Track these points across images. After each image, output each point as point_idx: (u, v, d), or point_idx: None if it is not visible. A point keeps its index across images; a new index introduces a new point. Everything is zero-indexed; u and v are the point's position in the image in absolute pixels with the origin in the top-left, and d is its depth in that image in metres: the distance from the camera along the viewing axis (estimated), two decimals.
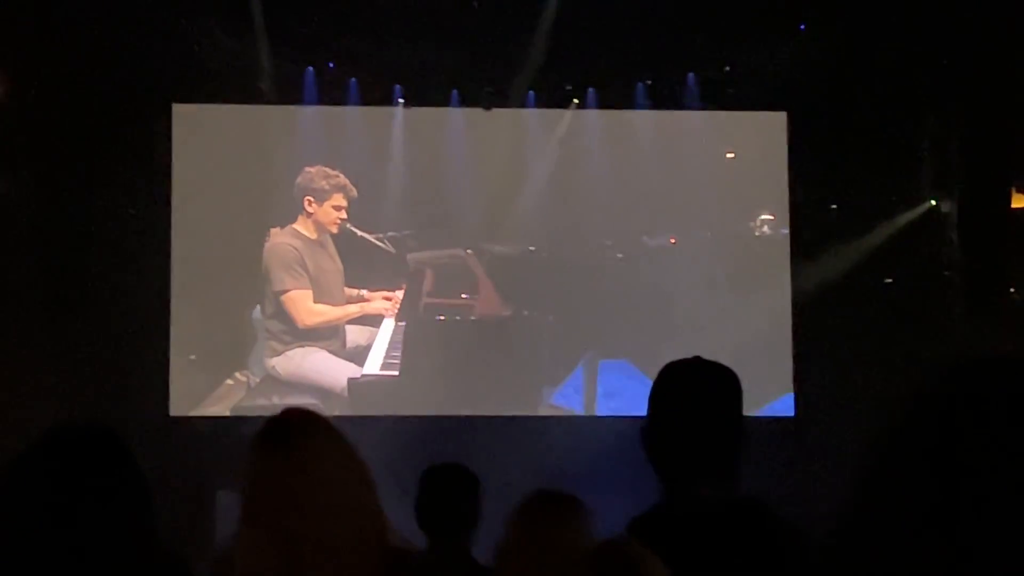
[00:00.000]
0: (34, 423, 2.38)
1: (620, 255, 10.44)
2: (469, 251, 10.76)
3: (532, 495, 3.22)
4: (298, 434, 2.58)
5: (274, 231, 10.53)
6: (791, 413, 9.85)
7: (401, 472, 4.92)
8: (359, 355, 10.64)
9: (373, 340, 10.77)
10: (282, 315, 10.64)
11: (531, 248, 10.63)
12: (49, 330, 9.15)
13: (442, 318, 10.67)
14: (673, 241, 10.34)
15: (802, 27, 9.82)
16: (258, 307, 10.70)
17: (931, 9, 9.47)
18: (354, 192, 10.51)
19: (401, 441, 8.94)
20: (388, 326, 10.77)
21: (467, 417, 10.06)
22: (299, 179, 10.52)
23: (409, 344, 10.71)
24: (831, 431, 9.09)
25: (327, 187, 10.60)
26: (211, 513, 8.75)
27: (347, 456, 2.61)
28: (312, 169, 10.56)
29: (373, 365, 10.65)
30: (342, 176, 10.55)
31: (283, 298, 10.61)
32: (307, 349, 10.62)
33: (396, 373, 10.56)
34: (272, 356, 10.64)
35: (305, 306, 10.74)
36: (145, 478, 2.39)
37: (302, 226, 10.60)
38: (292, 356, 10.68)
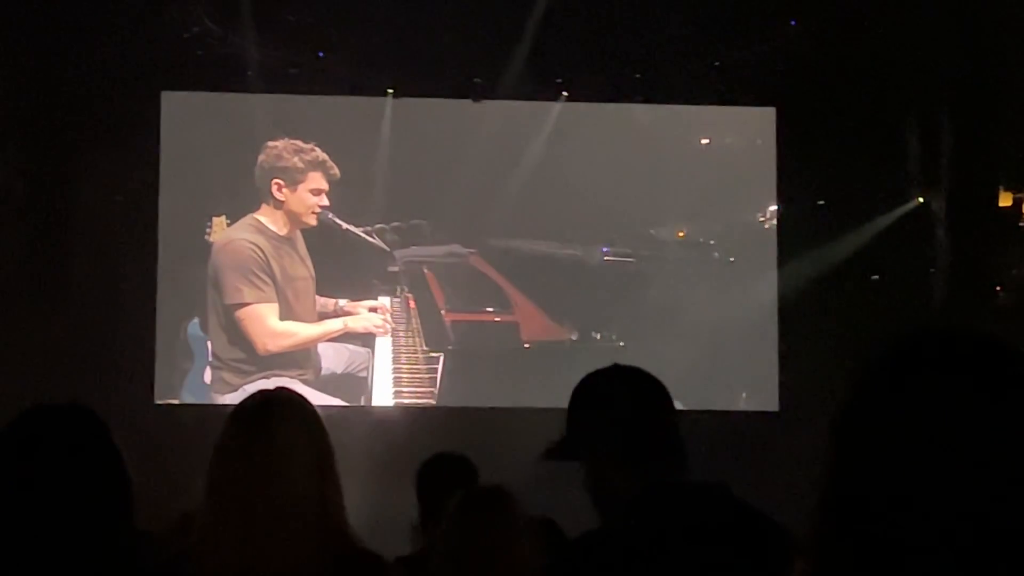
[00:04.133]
0: (16, 409, 2.39)
1: (628, 252, 9.92)
2: (471, 249, 9.56)
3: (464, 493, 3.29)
4: (277, 413, 2.63)
5: (218, 221, 9.14)
6: (775, 408, 9.85)
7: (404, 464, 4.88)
8: (335, 386, 8.96)
9: (354, 365, 9.13)
10: (237, 336, 8.87)
11: (538, 247, 9.62)
12: (33, 317, 9.11)
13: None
14: (681, 235, 10.04)
15: (793, 23, 9.81)
16: (195, 321, 9.13)
17: (921, 7, 9.47)
18: (335, 171, 9.04)
19: (407, 432, 8.76)
20: (384, 348, 9.18)
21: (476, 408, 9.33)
22: (262, 157, 9.08)
23: (447, 378, 9.08)
24: (814, 426, 9.07)
25: (301, 165, 8.96)
26: (193, 501, 8.70)
27: (319, 444, 2.65)
28: (278, 143, 9.08)
29: (382, 404, 9.10)
30: (318, 150, 9.08)
31: (239, 314, 8.81)
32: (274, 381, 7.87)
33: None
34: (226, 392, 8.88)
35: (267, 326, 8.75)
36: (121, 456, 2.40)
37: (268, 217, 8.96)
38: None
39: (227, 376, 8.88)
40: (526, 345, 9.49)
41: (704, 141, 10.15)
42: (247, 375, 8.86)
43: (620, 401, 2.64)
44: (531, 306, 9.53)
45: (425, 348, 9.24)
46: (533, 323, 9.46)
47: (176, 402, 9.50)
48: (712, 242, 10.08)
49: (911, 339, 1.32)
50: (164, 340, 9.56)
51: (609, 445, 2.59)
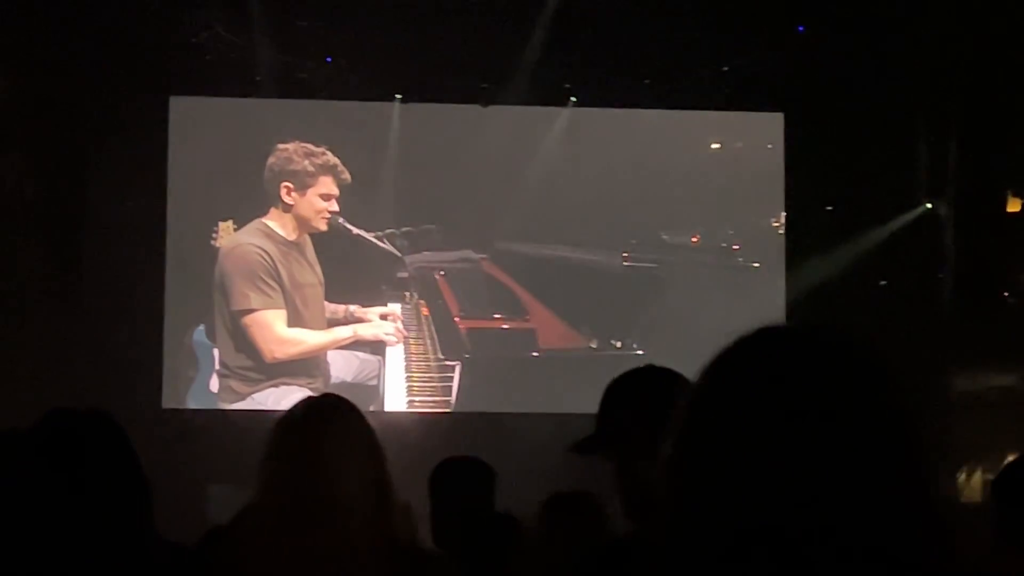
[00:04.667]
0: (26, 412, 2.40)
1: (643, 258, 9.81)
2: (483, 255, 9.36)
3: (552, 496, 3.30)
4: (329, 417, 2.64)
5: (224, 225, 8.95)
6: None
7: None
8: (345, 394, 8.23)
9: (363, 374, 8.90)
10: (244, 343, 8.64)
11: (550, 253, 9.45)
12: (43, 320, 9.12)
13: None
14: (695, 240, 9.97)
15: (800, 29, 9.81)
16: (201, 327, 8.96)
17: (928, 13, 9.46)
18: (347, 176, 8.83)
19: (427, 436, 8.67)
20: (395, 356, 8.96)
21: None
22: (271, 160, 8.90)
23: (465, 388, 8.86)
24: None
25: (311, 169, 8.77)
26: (202, 506, 8.70)
27: (371, 446, 2.65)
28: (288, 146, 8.90)
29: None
30: (329, 154, 8.87)
31: (246, 321, 8.58)
32: (283, 390, 8.54)
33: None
34: (233, 401, 8.71)
35: (275, 332, 8.52)
36: (140, 463, 2.41)
37: (276, 222, 8.78)
38: (263, 401, 8.56)
39: (234, 384, 8.65)
40: (540, 353, 9.31)
41: (715, 146, 10.12)
42: (255, 384, 8.66)
43: (656, 399, 2.62)
44: (547, 312, 9.36)
45: (440, 356, 9.05)
46: (550, 330, 9.28)
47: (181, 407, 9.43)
48: (735, 247, 10.01)
49: (740, 342, 1.33)
50: (170, 347, 9.47)
51: (643, 441, 2.58)
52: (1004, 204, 9.96)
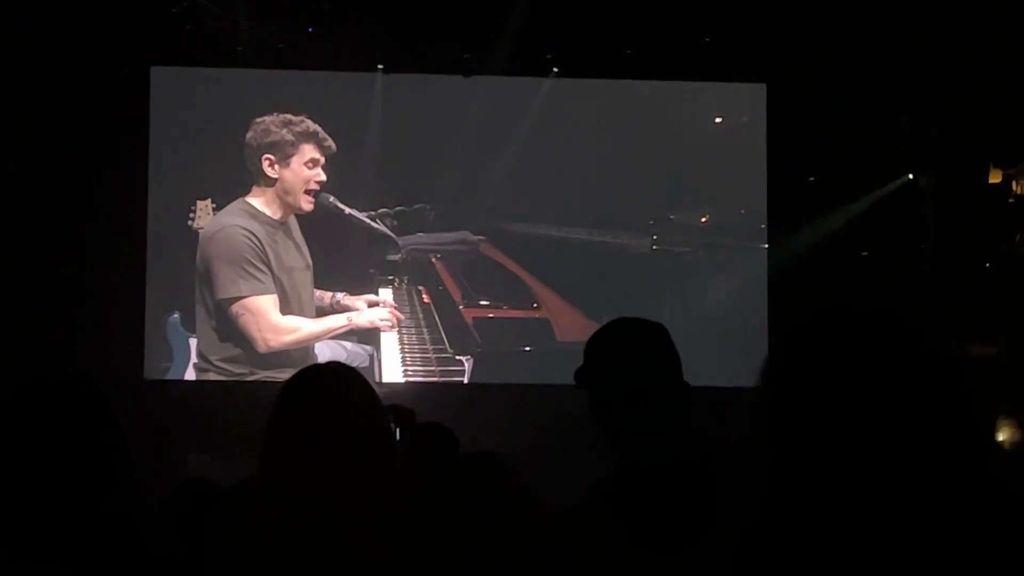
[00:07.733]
0: (6, 383, 2.39)
1: (653, 238, 9.51)
2: (481, 236, 8.88)
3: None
4: (335, 383, 2.71)
5: (202, 204, 8.52)
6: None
7: None
8: None
9: (353, 366, 8.34)
10: (231, 333, 8.13)
11: (553, 234, 8.96)
12: (23, 291, 9.06)
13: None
14: (704, 220, 9.78)
15: None
16: (176, 315, 8.52)
17: None
18: (330, 143, 8.31)
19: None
20: (391, 344, 8.53)
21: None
22: (250, 135, 8.41)
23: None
24: None
25: (291, 138, 8.25)
26: (182, 477, 8.64)
27: (376, 412, 2.71)
28: (265, 118, 8.40)
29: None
30: (308, 121, 8.35)
31: (235, 308, 8.04)
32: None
33: None
34: None
35: (269, 320, 8.01)
36: (122, 429, 2.40)
37: (260, 199, 8.24)
38: None
39: (214, 379, 8.22)
40: (559, 346, 8.79)
41: (718, 120, 10.03)
42: (242, 380, 8.21)
43: (627, 345, 2.94)
44: (560, 301, 8.95)
45: (446, 347, 8.61)
46: (566, 320, 8.84)
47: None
48: (767, 225, 9.88)
49: (817, 318, 1.35)
50: (154, 315, 9.25)
51: (614, 382, 2.87)
52: (986, 175, 9.98)
